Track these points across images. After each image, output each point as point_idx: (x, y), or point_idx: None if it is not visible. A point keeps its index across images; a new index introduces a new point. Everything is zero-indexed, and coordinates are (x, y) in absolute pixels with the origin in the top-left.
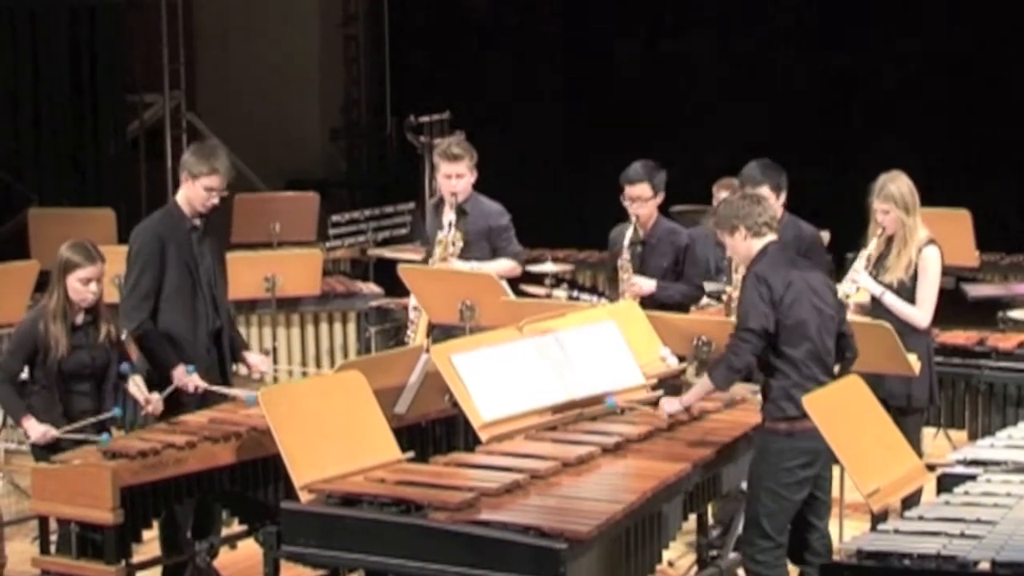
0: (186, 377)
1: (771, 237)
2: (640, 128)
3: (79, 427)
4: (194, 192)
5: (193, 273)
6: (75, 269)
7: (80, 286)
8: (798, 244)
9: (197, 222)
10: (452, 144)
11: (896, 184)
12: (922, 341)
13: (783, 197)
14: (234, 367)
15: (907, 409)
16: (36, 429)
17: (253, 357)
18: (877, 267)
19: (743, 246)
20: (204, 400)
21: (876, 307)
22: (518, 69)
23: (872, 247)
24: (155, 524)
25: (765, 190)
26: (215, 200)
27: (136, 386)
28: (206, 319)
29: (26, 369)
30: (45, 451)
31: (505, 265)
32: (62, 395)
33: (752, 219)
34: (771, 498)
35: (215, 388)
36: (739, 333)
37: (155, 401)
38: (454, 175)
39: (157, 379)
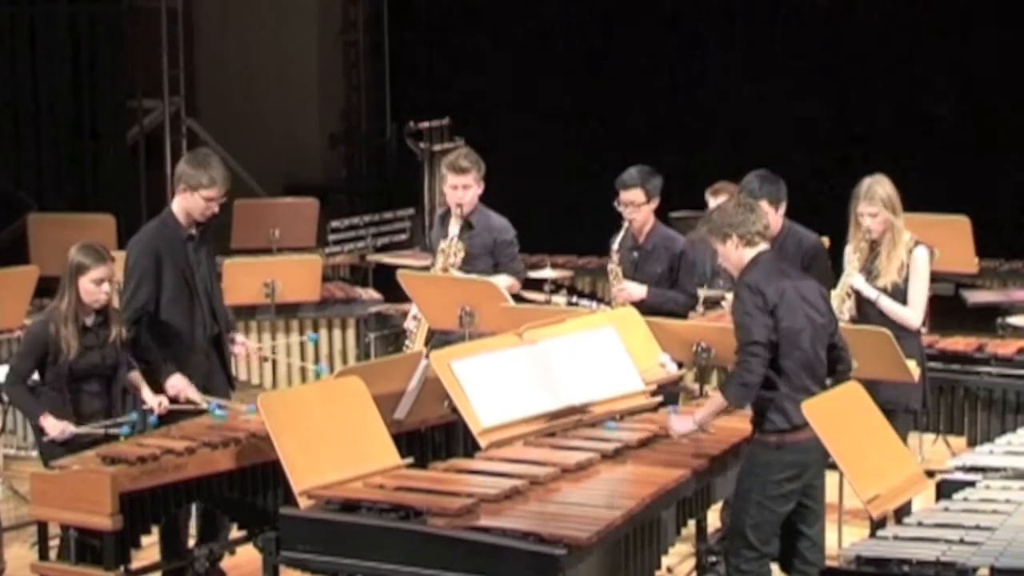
0: (178, 387)
1: (763, 246)
2: (640, 133)
3: (98, 426)
4: (193, 203)
5: (190, 282)
6: (87, 271)
7: (92, 287)
8: (800, 254)
9: (193, 231)
10: (460, 156)
11: (882, 186)
12: (915, 345)
13: (782, 209)
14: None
15: (898, 410)
16: (55, 426)
17: (237, 341)
18: (865, 271)
19: (735, 254)
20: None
21: (865, 312)
22: (518, 75)
23: (859, 251)
24: (155, 529)
25: (764, 204)
26: (214, 209)
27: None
28: (203, 325)
29: (35, 372)
30: (58, 450)
31: (504, 281)
32: (72, 396)
33: (745, 227)
34: (757, 509)
35: (200, 398)
36: (747, 348)
37: (165, 403)
38: (460, 187)
39: (152, 386)
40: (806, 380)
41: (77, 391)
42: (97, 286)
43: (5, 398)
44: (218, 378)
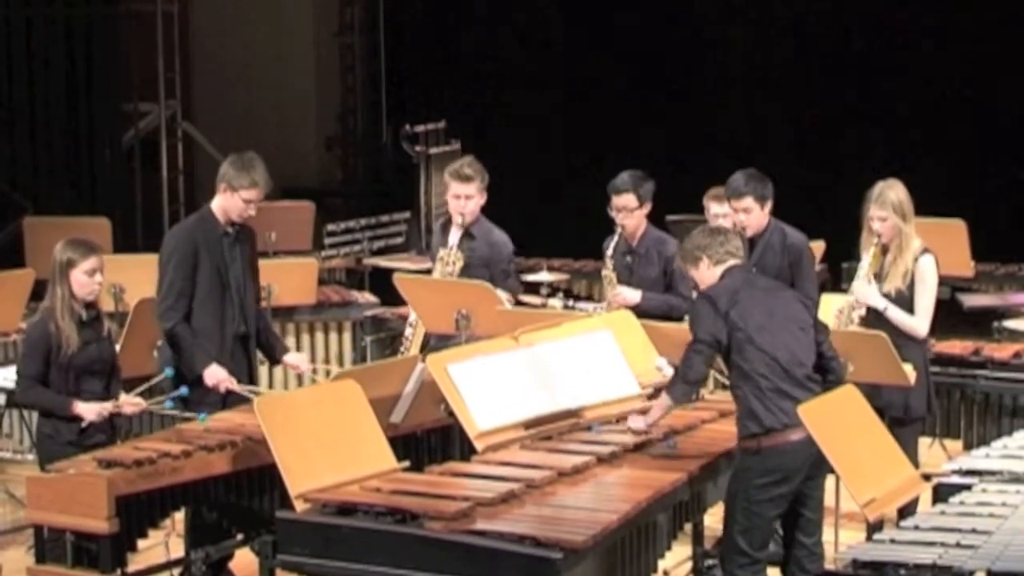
0: (217, 377)
1: (733, 262)
2: (637, 137)
3: (141, 391)
4: (233, 203)
5: (223, 277)
6: (77, 264)
7: (86, 279)
8: (786, 252)
9: (230, 229)
10: (464, 165)
11: (894, 191)
12: (918, 351)
13: (768, 207)
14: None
15: (905, 419)
16: (90, 410)
17: (290, 357)
18: (876, 277)
19: (708, 275)
20: (225, 402)
21: (872, 318)
22: (514, 78)
23: (870, 258)
24: (151, 533)
25: (748, 201)
26: (252, 211)
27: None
28: (232, 323)
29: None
30: (56, 454)
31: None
32: (78, 395)
33: (713, 249)
34: (744, 515)
35: (240, 388)
36: (690, 346)
37: (135, 404)
38: (463, 196)
39: (187, 378)
40: (778, 382)
41: (79, 391)
42: (90, 277)
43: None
44: (242, 379)
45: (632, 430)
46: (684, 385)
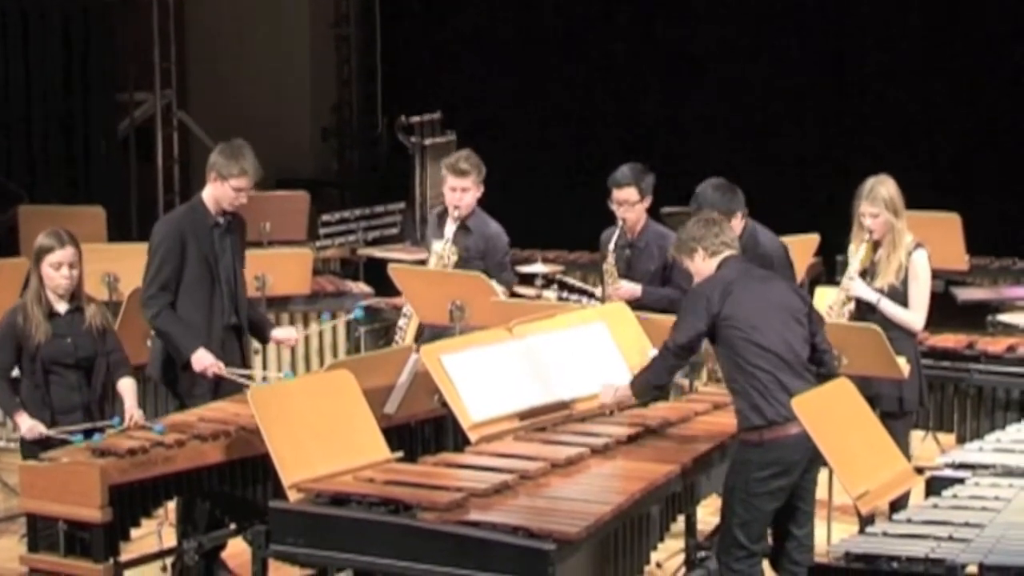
0: (204, 363)
1: (728, 253)
2: (632, 129)
3: (65, 431)
4: (223, 192)
5: (213, 269)
6: (47, 254)
7: (52, 271)
8: (760, 259)
9: (220, 219)
10: (461, 159)
11: (885, 187)
12: (910, 344)
13: (736, 220)
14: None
15: (898, 413)
16: (26, 423)
17: (278, 332)
18: (866, 272)
19: (704, 266)
20: (217, 390)
21: (864, 312)
22: (509, 69)
23: (862, 253)
24: (144, 522)
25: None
26: (243, 199)
27: (129, 395)
28: (222, 314)
29: (15, 365)
30: (35, 448)
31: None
32: (47, 388)
33: (709, 240)
34: (743, 508)
35: (229, 373)
36: (662, 348)
37: (137, 416)
38: (459, 189)
39: (173, 365)
40: (779, 375)
41: (52, 383)
42: (56, 270)
43: None
44: (235, 368)
45: (601, 401)
46: (646, 385)
